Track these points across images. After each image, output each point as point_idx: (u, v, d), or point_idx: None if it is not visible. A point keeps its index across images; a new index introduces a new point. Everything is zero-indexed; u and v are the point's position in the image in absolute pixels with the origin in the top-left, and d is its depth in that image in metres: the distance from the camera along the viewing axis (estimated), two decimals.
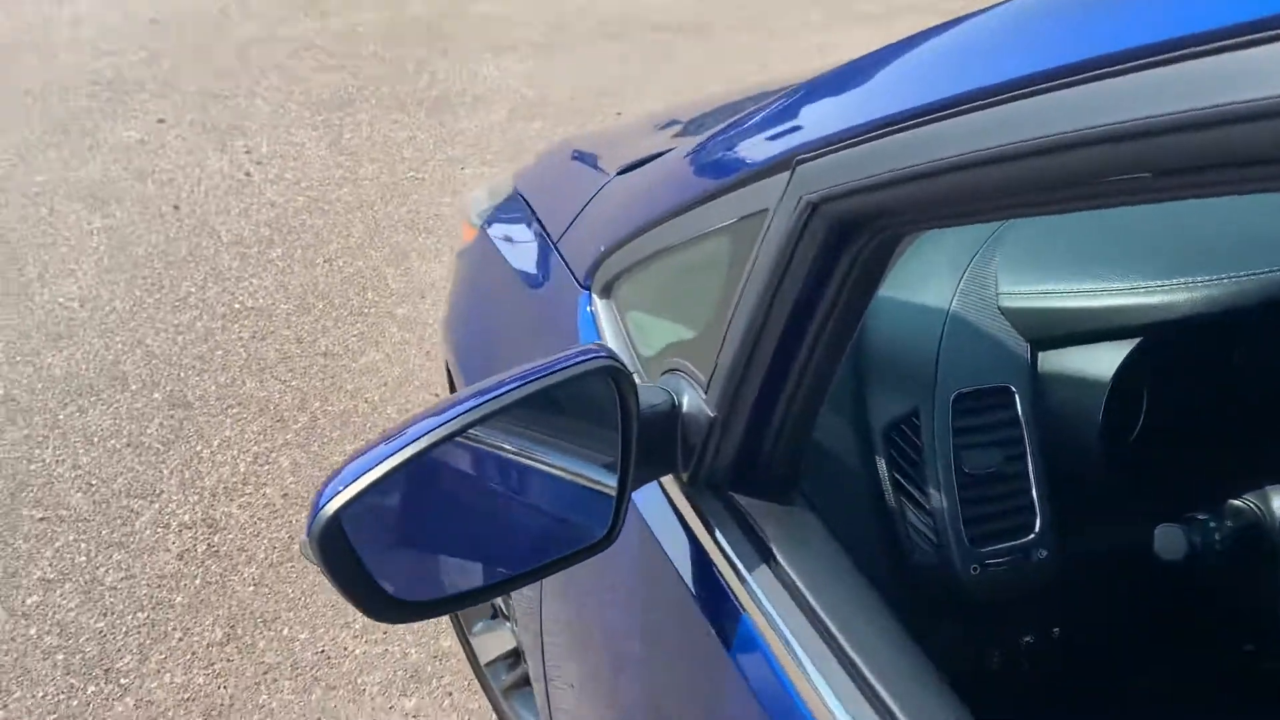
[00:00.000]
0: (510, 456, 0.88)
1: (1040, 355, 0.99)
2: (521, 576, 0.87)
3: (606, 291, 1.23)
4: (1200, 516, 0.85)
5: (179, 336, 2.94)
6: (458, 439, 0.79)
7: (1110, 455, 0.97)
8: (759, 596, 0.84)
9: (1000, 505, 0.96)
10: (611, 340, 1.19)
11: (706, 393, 0.94)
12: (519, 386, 0.81)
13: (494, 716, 1.86)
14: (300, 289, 3.19)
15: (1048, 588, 0.97)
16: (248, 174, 3.89)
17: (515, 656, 1.78)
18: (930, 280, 1.06)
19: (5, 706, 1.91)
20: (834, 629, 0.77)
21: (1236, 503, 0.89)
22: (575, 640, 1.17)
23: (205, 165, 3.93)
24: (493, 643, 1.80)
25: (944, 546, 0.95)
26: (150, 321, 3.01)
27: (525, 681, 1.70)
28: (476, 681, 1.89)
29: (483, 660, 1.83)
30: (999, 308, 1.01)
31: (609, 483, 0.89)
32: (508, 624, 1.78)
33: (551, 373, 0.82)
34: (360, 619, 2.11)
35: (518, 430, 0.88)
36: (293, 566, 2.24)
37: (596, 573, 1.17)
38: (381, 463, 0.69)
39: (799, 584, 0.82)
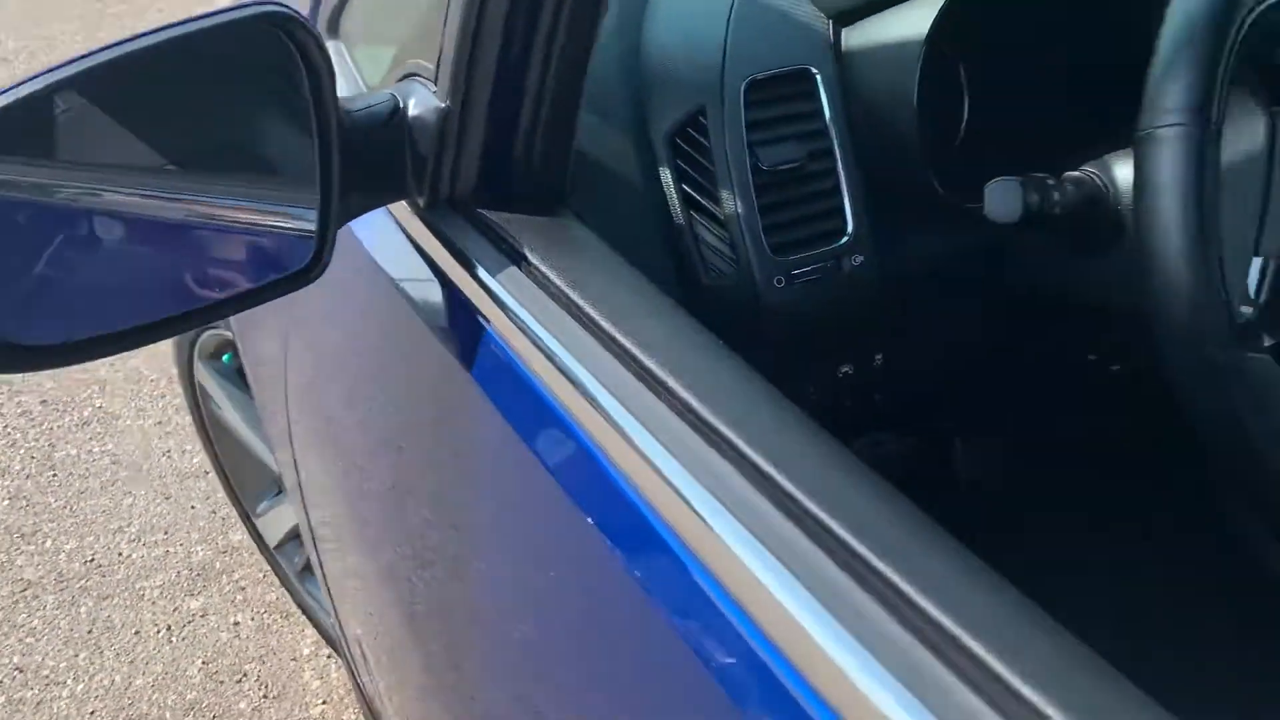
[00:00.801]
0: (171, 158, 0.66)
1: (844, 32, 0.83)
2: (196, 314, 0.67)
3: (333, 30, 1.01)
4: (1039, 174, 0.71)
5: None
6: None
7: (930, 145, 0.82)
8: (513, 308, 0.66)
9: (806, 208, 0.80)
10: (342, 85, 0.97)
11: (436, 83, 0.74)
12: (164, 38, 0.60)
13: (295, 607, 1.65)
14: None
15: (865, 306, 0.82)
16: None
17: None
18: None
19: None
20: (612, 330, 0.59)
21: (1075, 173, 0.75)
22: (322, 443, 0.97)
23: None
24: (277, 522, 1.57)
25: (742, 261, 0.79)
26: None
27: None
28: (272, 572, 1.67)
29: (271, 543, 1.61)
30: None
31: (310, 200, 0.69)
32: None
33: (206, 27, 0.61)
34: (136, 521, 1.85)
35: (179, 130, 0.67)
36: (54, 475, 1.95)
37: (327, 355, 0.96)
38: None
39: (565, 289, 0.63)
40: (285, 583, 1.62)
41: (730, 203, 0.78)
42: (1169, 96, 0.58)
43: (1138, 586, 0.91)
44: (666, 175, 0.81)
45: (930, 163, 0.81)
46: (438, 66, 0.72)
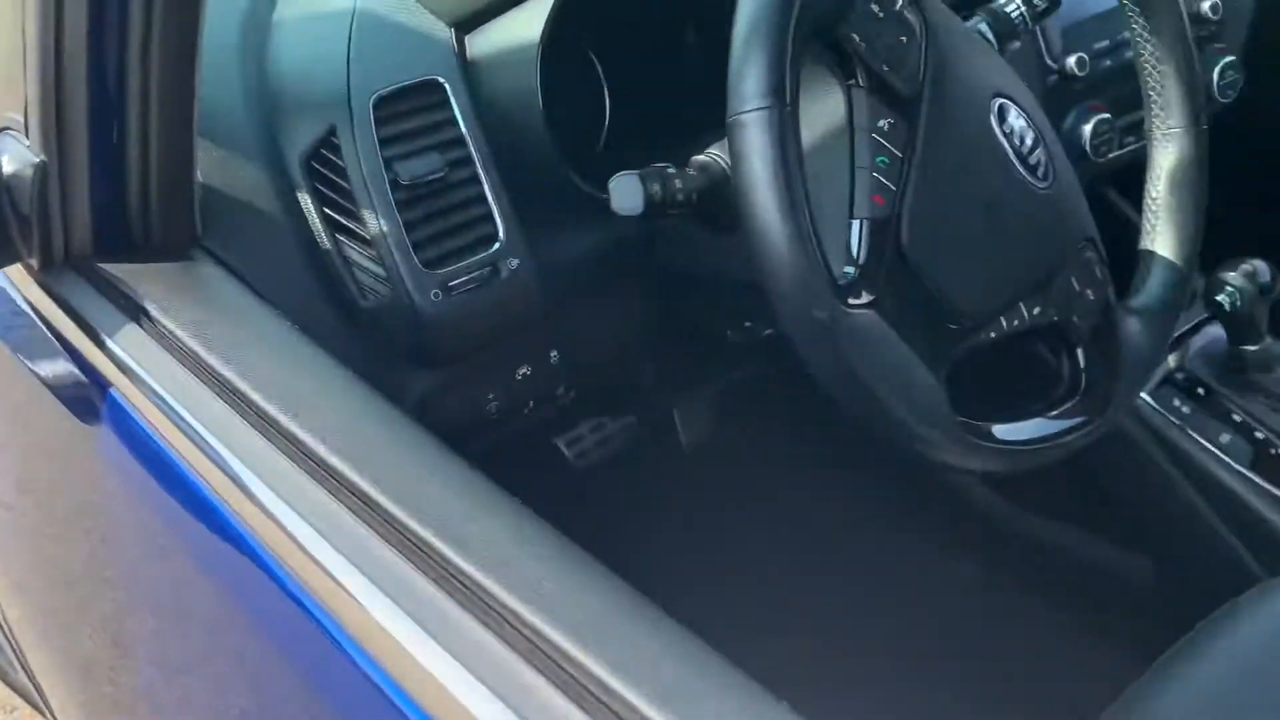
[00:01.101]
0: None
1: (467, 39, 0.84)
2: None
3: None
4: (660, 164, 0.74)
5: None
6: None
7: (571, 143, 0.84)
8: (137, 372, 0.63)
9: (454, 218, 0.81)
10: None
11: (28, 135, 0.69)
12: None
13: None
14: None
15: (529, 307, 0.84)
16: None
17: None
18: None
19: None
20: (231, 378, 0.57)
21: (701, 157, 0.79)
22: None
23: None
24: None
25: (395, 279, 0.78)
26: None
27: None
28: None
29: None
30: None
31: None
32: None
33: None
34: None
35: None
36: None
37: None
38: None
39: (189, 343, 0.61)
40: None
41: (374, 222, 0.78)
42: (747, 83, 0.62)
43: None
44: (306, 200, 0.79)
45: (570, 161, 0.83)
46: (25, 117, 0.68)
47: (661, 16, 1.01)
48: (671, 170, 0.74)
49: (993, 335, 0.73)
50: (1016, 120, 0.75)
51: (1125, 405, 0.80)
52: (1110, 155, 1.13)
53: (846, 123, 0.69)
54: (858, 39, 0.68)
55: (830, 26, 0.68)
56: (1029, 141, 0.75)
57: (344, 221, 0.79)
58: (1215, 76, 1.21)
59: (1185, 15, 0.84)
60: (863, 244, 0.68)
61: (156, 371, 0.60)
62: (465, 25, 0.83)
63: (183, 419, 0.56)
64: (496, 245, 0.81)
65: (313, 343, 0.61)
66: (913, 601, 1.43)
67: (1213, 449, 1.13)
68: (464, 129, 0.82)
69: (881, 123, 0.69)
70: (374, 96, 0.79)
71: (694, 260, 0.88)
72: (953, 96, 0.72)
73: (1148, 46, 0.84)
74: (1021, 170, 0.74)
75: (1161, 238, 0.85)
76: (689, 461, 1.18)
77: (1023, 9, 0.87)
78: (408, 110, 0.81)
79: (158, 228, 0.71)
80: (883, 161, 0.68)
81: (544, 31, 0.79)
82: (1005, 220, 0.73)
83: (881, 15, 0.69)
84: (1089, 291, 0.78)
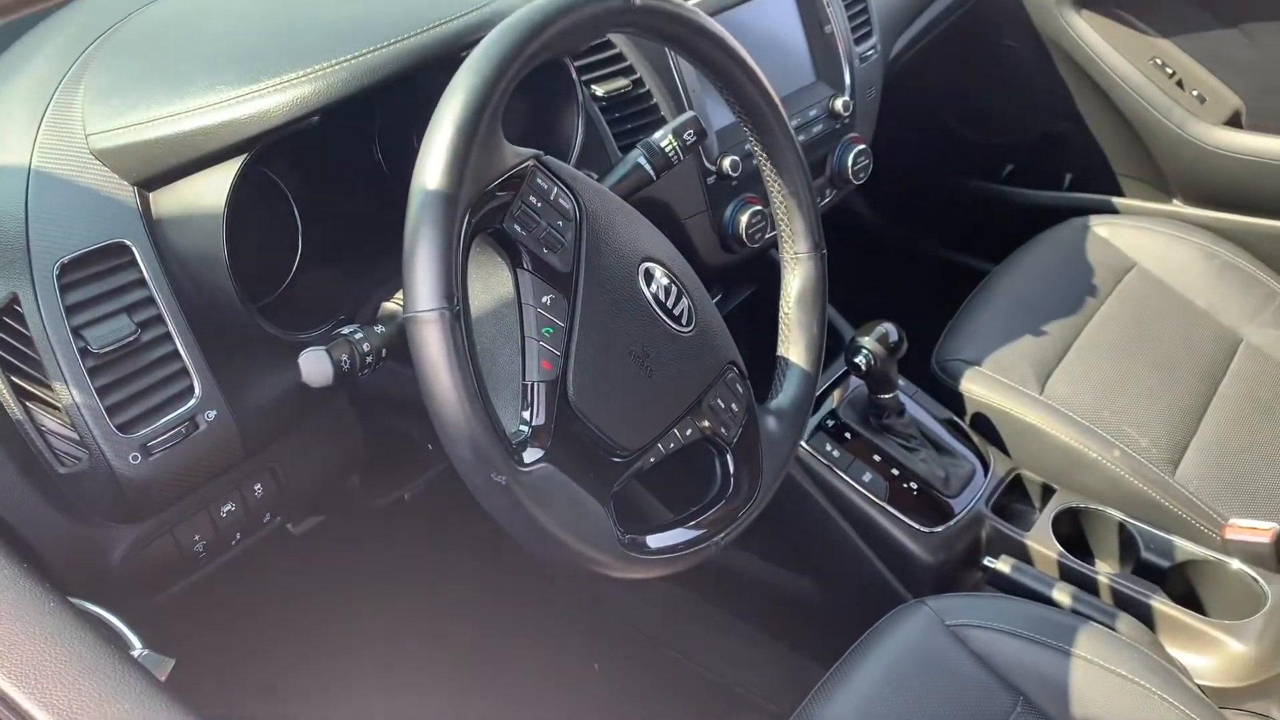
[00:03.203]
0: None
1: (152, 198, 0.86)
2: None
3: None
4: (344, 331, 0.80)
5: None
6: None
7: (260, 292, 0.88)
8: None
9: (149, 378, 0.83)
10: None
11: None
12: None
13: None
14: None
15: (231, 453, 0.88)
16: None
17: None
18: (4, 133, 0.86)
19: None
20: None
21: (389, 304, 0.86)
22: None
23: None
24: None
25: (92, 445, 0.80)
26: None
27: None
28: None
29: None
30: (92, 151, 0.85)
31: None
32: None
33: None
34: None
35: None
36: None
37: None
38: None
39: None
40: None
41: (65, 391, 0.79)
42: (419, 287, 0.70)
43: None
44: None
45: (260, 308, 0.87)
46: None
47: (349, 140, 1.07)
48: (359, 334, 0.81)
49: (652, 460, 0.85)
50: (662, 279, 0.87)
51: (768, 493, 0.94)
52: (762, 240, 1.29)
53: (515, 299, 0.79)
54: (519, 229, 0.78)
55: (493, 222, 0.76)
56: (673, 295, 0.87)
57: (34, 390, 0.79)
58: (850, 162, 1.40)
59: (800, 150, 0.98)
60: (535, 403, 0.78)
61: None
62: (151, 184, 0.85)
63: None
64: (193, 399, 0.84)
65: None
66: (612, 612, 1.59)
67: (857, 486, 1.33)
68: (153, 289, 0.83)
69: (545, 298, 0.79)
70: (57, 263, 0.80)
71: (393, 385, 0.95)
72: (605, 267, 0.83)
73: (775, 183, 0.98)
74: (667, 321, 0.86)
75: (794, 347, 1.00)
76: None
77: (675, 143, 1.00)
78: (94, 274, 0.81)
79: None
80: (548, 331, 0.78)
81: (229, 193, 0.83)
82: (655, 365, 0.85)
83: (539, 205, 0.79)
84: (733, 405, 0.92)
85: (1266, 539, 1.19)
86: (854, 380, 1.42)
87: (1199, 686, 1.10)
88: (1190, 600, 1.22)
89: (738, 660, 1.52)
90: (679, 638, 1.56)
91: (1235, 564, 1.20)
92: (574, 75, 1.07)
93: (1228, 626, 1.15)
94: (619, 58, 1.17)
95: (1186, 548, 1.24)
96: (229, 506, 0.91)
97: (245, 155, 0.83)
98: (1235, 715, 1.08)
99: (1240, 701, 1.10)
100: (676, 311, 0.87)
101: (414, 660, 1.52)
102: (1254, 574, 1.19)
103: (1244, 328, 1.54)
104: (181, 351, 0.84)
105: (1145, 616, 1.19)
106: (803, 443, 1.35)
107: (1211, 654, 1.14)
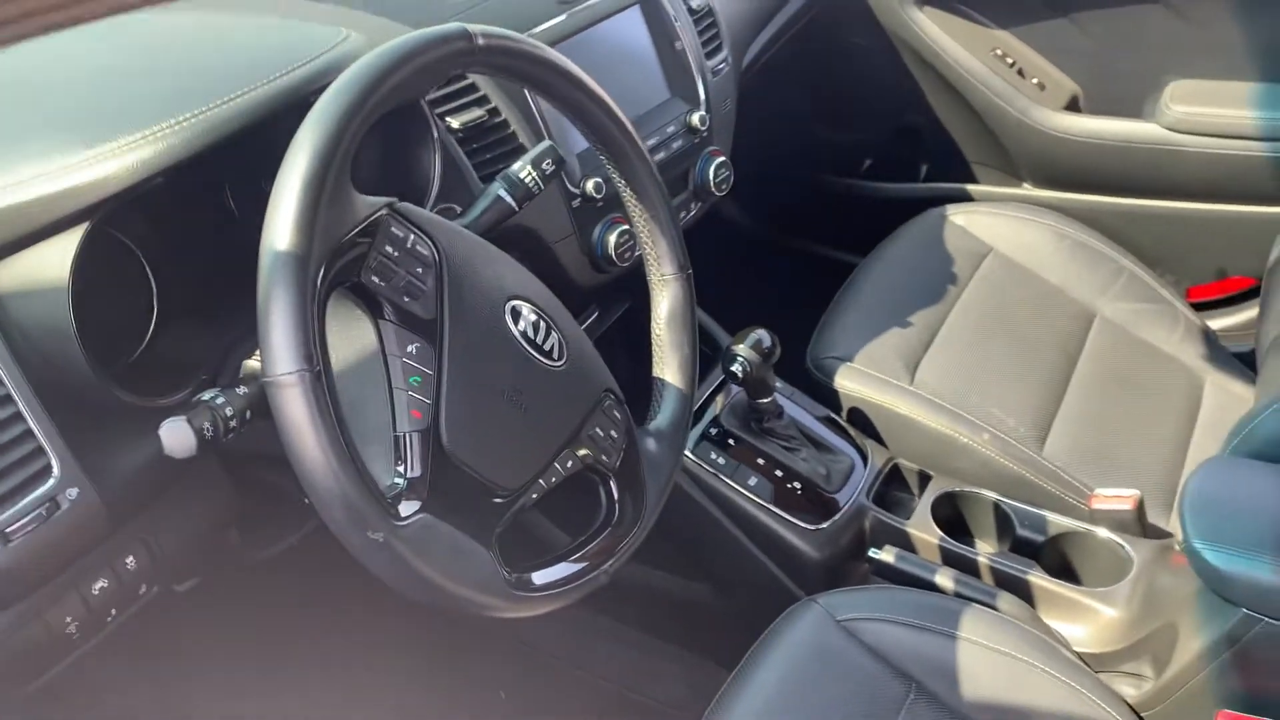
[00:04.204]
0: None
1: None
2: None
3: None
4: (204, 397, 0.78)
5: None
6: None
7: (111, 355, 0.86)
8: None
9: (3, 461, 0.79)
10: None
11: None
12: None
13: None
14: None
15: (99, 528, 0.85)
16: None
17: None
18: None
19: None
20: None
21: (250, 362, 0.84)
22: None
23: None
24: None
25: None
26: None
27: None
28: None
29: None
30: None
31: None
32: None
33: None
34: None
35: None
36: None
37: None
38: None
39: None
40: None
41: None
42: (275, 350, 0.69)
43: None
44: None
45: (114, 377, 0.85)
46: None
47: (199, 188, 1.04)
48: (219, 399, 0.79)
49: (535, 496, 0.85)
50: (529, 315, 0.87)
51: (652, 515, 0.95)
52: (632, 258, 1.31)
53: (380, 351, 0.78)
54: (378, 280, 0.77)
55: (349, 276, 0.76)
56: (542, 330, 0.88)
57: None
58: (711, 175, 1.42)
59: (657, 175, 1.00)
60: (409, 454, 0.77)
61: None
62: None
63: None
64: (52, 479, 0.81)
65: None
66: (510, 634, 1.59)
67: (743, 490, 1.35)
68: (3, 368, 0.80)
69: (410, 347, 0.78)
70: None
71: (260, 442, 0.93)
72: (470, 310, 0.83)
73: (636, 208, 1.00)
74: (538, 357, 0.87)
75: (668, 368, 1.02)
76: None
77: (534, 174, 1.00)
78: None
79: None
80: (415, 380, 0.78)
81: (73, 262, 0.80)
82: (529, 403, 0.85)
83: (396, 254, 0.78)
84: (612, 432, 0.93)
85: (1129, 505, 1.26)
86: (734, 387, 1.44)
87: (1078, 654, 1.16)
88: (1065, 572, 1.28)
89: (642, 671, 1.53)
90: (582, 654, 1.57)
91: (1103, 532, 1.27)
92: (427, 111, 1.06)
93: (1099, 594, 1.21)
94: (473, 88, 1.17)
95: (1058, 521, 1.29)
96: (101, 583, 0.88)
97: (87, 222, 0.80)
98: (1111, 678, 1.14)
99: (1117, 664, 1.16)
100: (547, 347, 0.88)
101: (311, 702, 1.49)
102: (1120, 540, 1.25)
103: (1096, 301, 1.62)
104: (35, 430, 0.81)
105: (1024, 592, 1.24)
106: (688, 452, 1.37)
107: (1087, 622, 1.20)
